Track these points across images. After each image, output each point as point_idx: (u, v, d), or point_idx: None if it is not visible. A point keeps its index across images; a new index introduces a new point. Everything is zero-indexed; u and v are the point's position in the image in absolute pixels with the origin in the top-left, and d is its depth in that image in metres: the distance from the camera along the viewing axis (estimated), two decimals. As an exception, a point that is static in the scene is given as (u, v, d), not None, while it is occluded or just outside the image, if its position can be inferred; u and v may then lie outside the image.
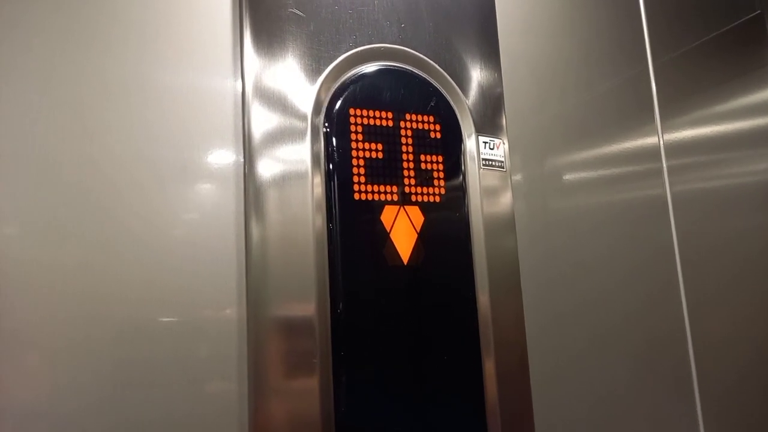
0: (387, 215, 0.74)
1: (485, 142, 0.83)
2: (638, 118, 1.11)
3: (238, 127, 0.74)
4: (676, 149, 1.12)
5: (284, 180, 0.72)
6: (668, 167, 1.10)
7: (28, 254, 0.63)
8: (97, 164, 0.67)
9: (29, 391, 0.61)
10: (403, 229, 0.75)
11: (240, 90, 0.74)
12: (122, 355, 0.65)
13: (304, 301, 0.70)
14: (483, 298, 0.78)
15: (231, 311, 0.70)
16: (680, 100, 1.16)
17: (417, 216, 0.76)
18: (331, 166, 0.73)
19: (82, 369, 0.63)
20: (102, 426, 0.62)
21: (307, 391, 0.68)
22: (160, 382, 0.66)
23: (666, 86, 1.13)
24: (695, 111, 1.18)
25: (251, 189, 0.71)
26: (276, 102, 0.73)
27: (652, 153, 1.10)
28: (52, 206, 0.65)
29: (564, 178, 1.00)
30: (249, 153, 0.71)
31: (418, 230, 0.76)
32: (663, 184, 1.09)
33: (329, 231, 0.72)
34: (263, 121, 0.72)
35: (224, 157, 0.73)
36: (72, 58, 0.68)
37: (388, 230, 0.74)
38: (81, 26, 0.69)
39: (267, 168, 0.71)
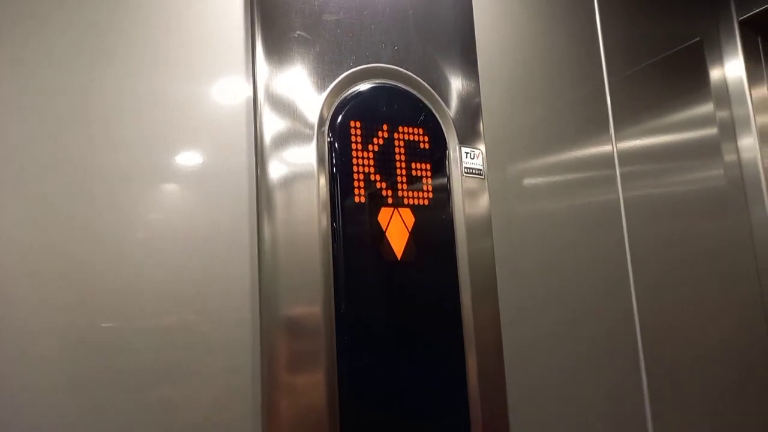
0: (383, 216, 0.84)
1: (467, 152, 0.94)
2: (595, 129, 1.24)
3: (250, 136, 0.82)
4: (628, 158, 1.26)
5: (294, 182, 0.81)
6: (621, 174, 1.24)
7: (47, 261, 0.68)
8: (118, 169, 0.74)
9: (37, 390, 0.66)
10: (396, 229, 0.85)
11: (252, 103, 0.82)
12: (141, 350, 0.71)
13: (311, 296, 0.78)
14: (465, 291, 0.89)
15: (245, 307, 0.77)
16: (632, 114, 1.31)
17: (408, 217, 0.86)
18: (334, 172, 0.82)
19: (96, 362, 0.68)
20: (126, 413, 0.69)
21: (314, 382, 0.77)
22: (177, 373, 0.72)
23: (620, 101, 1.28)
24: (645, 123, 1.33)
25: (263, 191, 0.79)
26: (285, 116, 0.82)
27: (607, 161, 1.24)
28: (73, 211, 0.70)
29: (528, 182, 1.12)
30: (261, 158, 0.80)
31: (410, 229, 0.86)
32: (617, 189, 1.23)
33: (333, 230, 0.81)
34: (274, 130, 0.81)
35: (237, 162, 0.81)
36: (97, 73, 0.75)
37: (384, 229, 0.84)
38: (106, 43, 0.76)
39: (277, 171, 0.80)
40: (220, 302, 0.76)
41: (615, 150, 1.24)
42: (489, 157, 1.02)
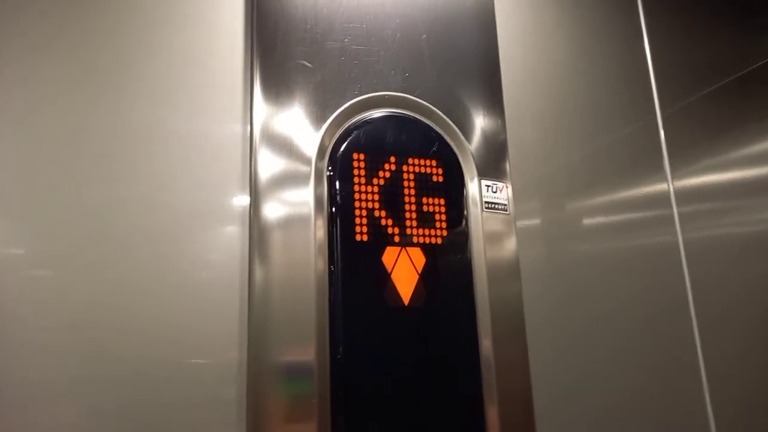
0: (388, 256, 0.75)
1: (488, 186, 0.84)
2: (647, 165, 1.11)
3: (245, 172, 0.77)
4: (686, 196, 1.11)
5: (288, 223, 0.73)
6: (679, 214, 1.09)
7: (40, 294, 0.65)
8: (108, 208, 0.70)
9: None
10: (404, 270, 0.76)
11: (248, 135, 0.77)
12: (121, 398, 0.65)
13: (304, 344, 0.70)
14: (485, 342, 0.78)
15: (233, 354, 0.71)
16: (690, 148, 1.16)
17: (418, 257, 0.77)
18: (333, 208, 0.75)
19: (82, 413, 0.64)
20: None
21: None
22: (160, 426, 0.66)
23: (675, 135, 1.14)
24: (705, 158, 1.18)
25: (256, 231, 0.73)
26: (282, 147, 0.76)
27: (663, 200, 1.09)
28: (65, 249, 0.67)
29: (574, 225, 1.00)
30: (255, 196, 0.74)
31: (420, 271, 0.76)
32: (675, 231, 1.08)
33: (330, 273, 0.73)
34: (269, 165, 0.75)
35: (231, 200, 0.76)
36: (94, 109, 0.72)
37: (389, 271, 0.75)
38: (104, 79, 0.74)
39: (272, 210, 0.73)
40: (206, 349, 0.70)
41: (671, 187, 1.10)
42: (521, 195, 0.91)
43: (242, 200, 0.76)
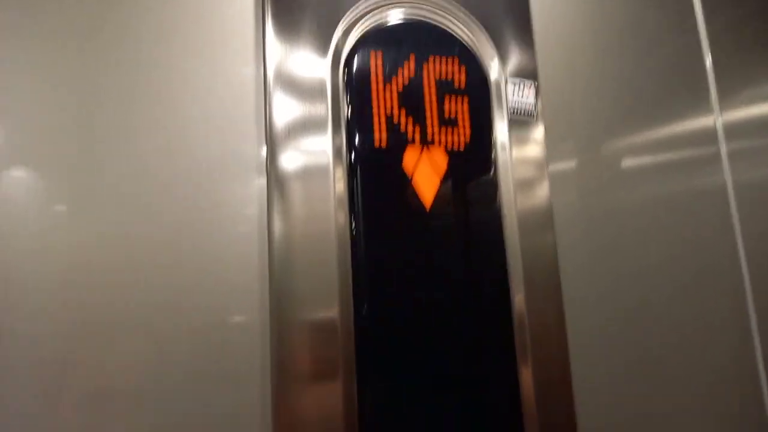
0: (408, 159, 0.71)
1: (514, 85, 0.78)
2: (691, 95, 0.99)
3: (259, 77, 0.71)
4: (736, 131, 1.00)
5: (305, 129, 0.70)
6: (729, 152, 0.99)
7: (61, 248, 0.62)
8: (117, 160, 0.66)
9: (62, 390, 0.60)
10: (425, 173, 0.71)
11: (262, 67, 0.72)
12: (140, 361, 0.63)
13: (327, 299, 0.67)
14: (512, 241, 0.74)
15: (254, 312, 0.67)
16: (741, 74, 1.05)
17: (441, 158, 0.72)
18: (351, 114, 0.71)
19: (100, 376, 0.61)
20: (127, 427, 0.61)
21: (330, 397, 0.66)
22: (181, 389, 0.63)
23: (723, 56, 1.03)
24: (760, 85, 1.07)
25: (273, 177, 0.68)
26: (296, 56, 0.71)
27: (709, 136, 1.00)
28: (82, 201, 0.64)
29: (607, 166, 0.90)
30: (269, 100, 0.69)
31: (442, 173, 0.71)
32: (722, 171, 0.98)
33: (349, 176, 0.70)
34: (280, 70, 0.70)
35: (247, 146, 0.71)
36: (109, 59, 0.68)
37: (410, 176, 0.70)
38: (111, 25, 0.69)
39: (287, 120, 0.69)
40: (226, 307, 0.66)
41: (719, 122, 0.99)
42: (550, 133, 0.84)
43: (258, 145, 0.71)
